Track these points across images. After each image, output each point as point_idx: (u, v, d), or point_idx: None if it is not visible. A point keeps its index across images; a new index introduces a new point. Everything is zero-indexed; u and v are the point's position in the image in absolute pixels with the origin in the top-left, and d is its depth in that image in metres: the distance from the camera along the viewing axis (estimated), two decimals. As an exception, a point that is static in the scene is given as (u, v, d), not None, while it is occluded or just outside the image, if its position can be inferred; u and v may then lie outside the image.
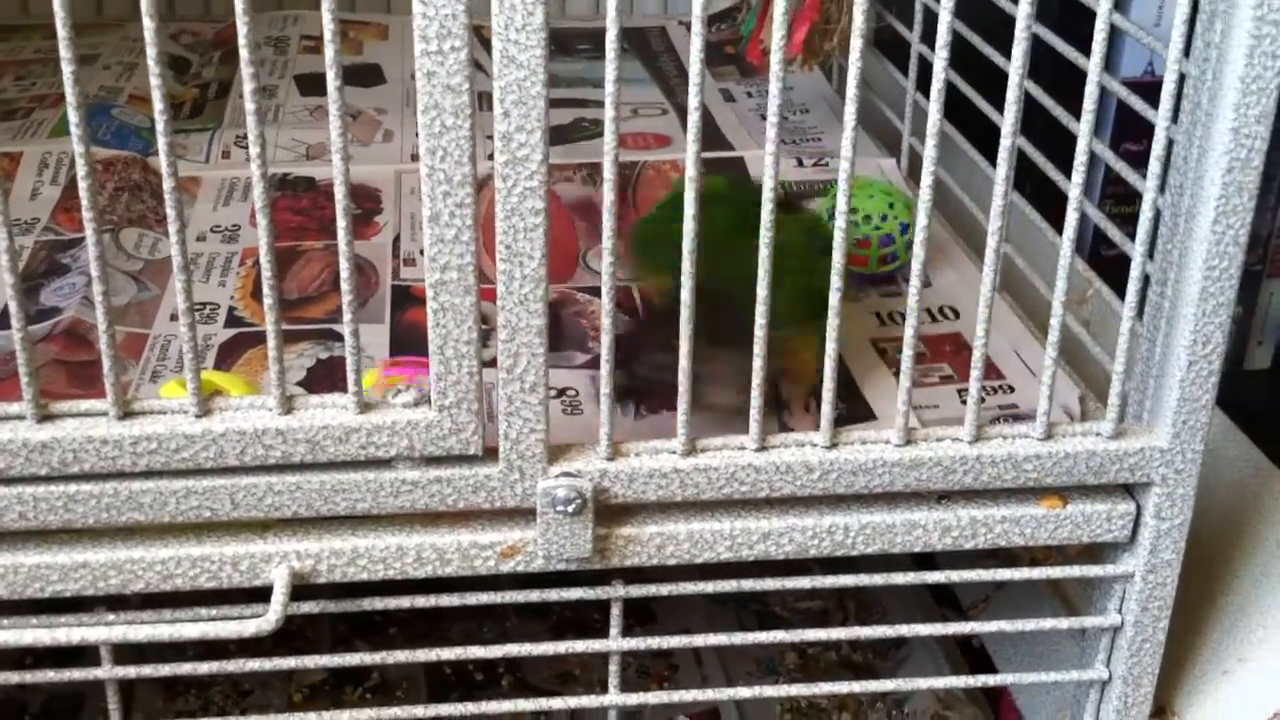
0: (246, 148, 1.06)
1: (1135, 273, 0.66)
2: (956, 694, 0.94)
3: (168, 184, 0.58)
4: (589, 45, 1.30)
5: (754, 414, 0.66)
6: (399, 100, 1.18)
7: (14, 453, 0.61)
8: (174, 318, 0.84)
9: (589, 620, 1.00)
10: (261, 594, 0.65)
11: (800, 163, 1.07)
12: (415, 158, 1.05)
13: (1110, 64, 0.81)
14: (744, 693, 0.75)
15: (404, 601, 0.67)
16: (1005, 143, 0.62)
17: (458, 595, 0.68)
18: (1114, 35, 1.17)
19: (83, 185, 0.58)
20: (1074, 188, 0.64)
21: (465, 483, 0.65)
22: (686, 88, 1.22)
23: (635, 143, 1.11)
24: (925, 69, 1.03)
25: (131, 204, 0.95)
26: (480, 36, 1.33)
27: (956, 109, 0.97)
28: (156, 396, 0.65)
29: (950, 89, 0.70)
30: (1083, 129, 0.63)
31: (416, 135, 1.08)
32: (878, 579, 0.71)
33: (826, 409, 0.66)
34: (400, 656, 0.69)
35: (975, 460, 0.67)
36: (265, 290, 0.60)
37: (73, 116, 0.56)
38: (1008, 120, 0.62)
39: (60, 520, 0.62)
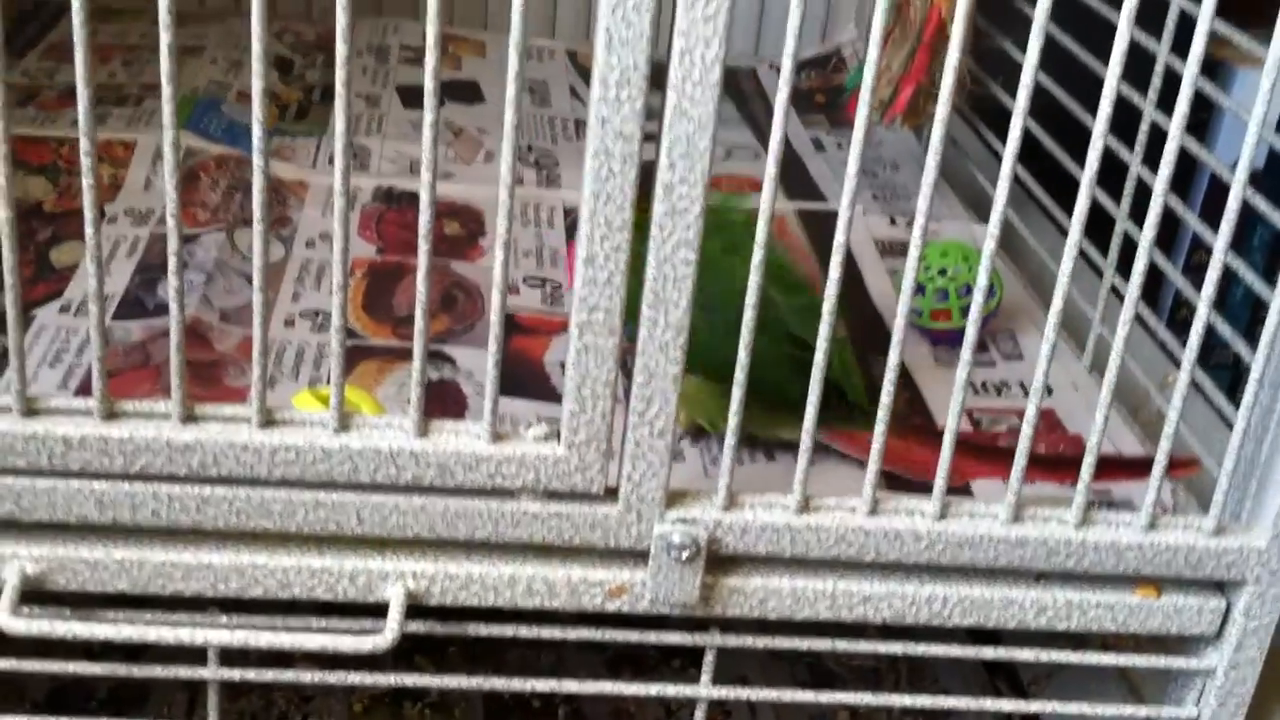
0: (354, 155, 1.08)
1: (1256, 374, 0.67)
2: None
3: (338, 201, 0.59)
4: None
5: (869, 478, 0.67)
6: (499, 121, 1.19)
7: (156, 451, 0.62)
8: (288, 323, 0.86)
9: (645, 658, 1.01)
10: (350, 609, 0.67)
11: (893, 221, 1.08)
12: (518, 182, 1.07)
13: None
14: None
15: (510, 630, 0.68)
16: (1139, 255, 0.64)
17: (561, 628, 0.69)
18: (1208, 121, 1.18)
19: (257, 201, 0.59)
20: (1203, 302, 0.65)
21: (584, 519, 0.66)
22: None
23: (729, 185, 1.12)
24: (1027, 139, 1.05)
25: (245, 204, 0.97)
26: (577, 64, 1.35)
27: (1048, 177, 0.98)
28: (290, 406, 0.66)
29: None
30: (1219, 242, 0.64)
31: (520, 159, 1.10)
32: (983, 651, 0.72)
33: (940, 482, 0.67)
34: (497, 683, 0.70)
35: (1079, 544, 0.68)
36: (418, 324, 0.61)
37: (256, 137, 0.58)
38: (1143, 224, 0.63)
39: (192, 520, 0.64)
